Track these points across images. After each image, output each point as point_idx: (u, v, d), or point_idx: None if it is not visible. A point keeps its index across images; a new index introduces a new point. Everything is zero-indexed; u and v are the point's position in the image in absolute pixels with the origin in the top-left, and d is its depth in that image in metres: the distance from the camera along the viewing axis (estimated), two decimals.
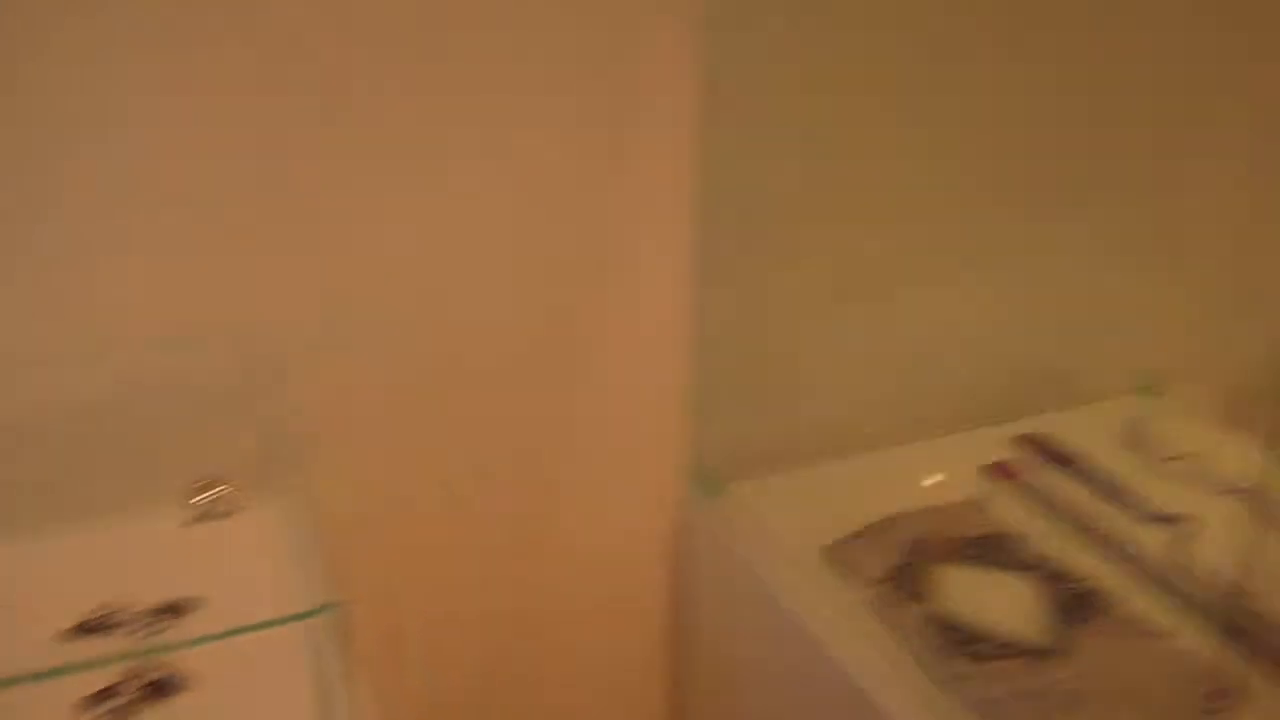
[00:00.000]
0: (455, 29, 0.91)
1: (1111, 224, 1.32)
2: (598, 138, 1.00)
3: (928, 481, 1.19)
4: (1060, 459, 1.21)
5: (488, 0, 0.91)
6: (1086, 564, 1.06)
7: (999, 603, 1.01)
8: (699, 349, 1.14)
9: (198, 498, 0.87)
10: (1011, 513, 1.14)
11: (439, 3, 0.89)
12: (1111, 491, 1.15)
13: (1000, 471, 1.19)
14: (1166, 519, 1.11)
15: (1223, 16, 1.28)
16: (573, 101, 0.98)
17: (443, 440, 1.05)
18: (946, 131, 1.19)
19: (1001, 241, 1.27)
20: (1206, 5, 1.27)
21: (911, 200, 1.19)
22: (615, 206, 1.04)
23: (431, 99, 0.92)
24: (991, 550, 1.08)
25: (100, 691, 0.72)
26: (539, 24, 0.94)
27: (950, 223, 1.23)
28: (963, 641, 0.96)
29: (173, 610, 0.80)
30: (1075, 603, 1.01)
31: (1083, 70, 1.22)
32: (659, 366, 1.13)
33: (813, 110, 1.10)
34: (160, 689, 0.73)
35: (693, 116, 1.03)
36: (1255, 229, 1.41)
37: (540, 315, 1.04)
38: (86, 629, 0.77)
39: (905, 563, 1.06)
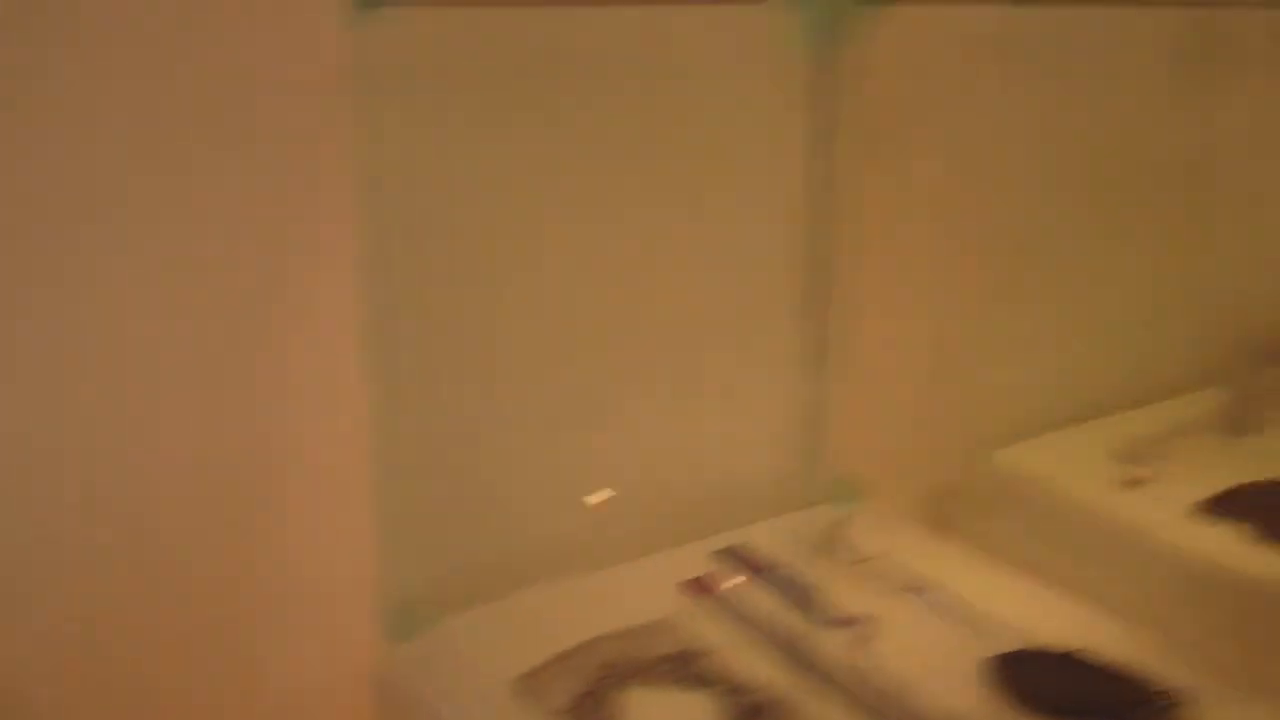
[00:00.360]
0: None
1: (808, 336, 1.39)
2: (249, 265, 1.00)
3: (627, 602, 1.19)
4: (756, 569, 1.24)
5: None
6: (768, 673, 1.08)
7: None
8: (387, 480, 1.13)
9: None
10: (702, 628, 1.15)
11: None
12: (800, 598, 1.19)
13: (697, 587, 1.21)
14: (847, 622, 1.14)
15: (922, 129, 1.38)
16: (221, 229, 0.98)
17: (96, 596, 1.00)
18: (631, 256, 1.24)
19: (701, 356, 1.32)
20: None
21: (603, 321, 1.23)
22: (279, 328, 1.03)
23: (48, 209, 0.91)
24: (677, 669, 1.09)
25: None
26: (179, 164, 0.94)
27: (649, 339, 1.27)
28: None
29: None
30: (753, 713, 1.02)
31: (751, 196, 1.30)
32: (343, 502, 1.11)
33: (491, 228, 1.13)
34: None
35: (360, 244, 1.04)
36: (949, 332, 1.51)
37: (199, 450, 1.02)
38: None
39: (591, 689, 1.06)
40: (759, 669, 1.09)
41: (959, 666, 1.09)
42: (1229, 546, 1.30)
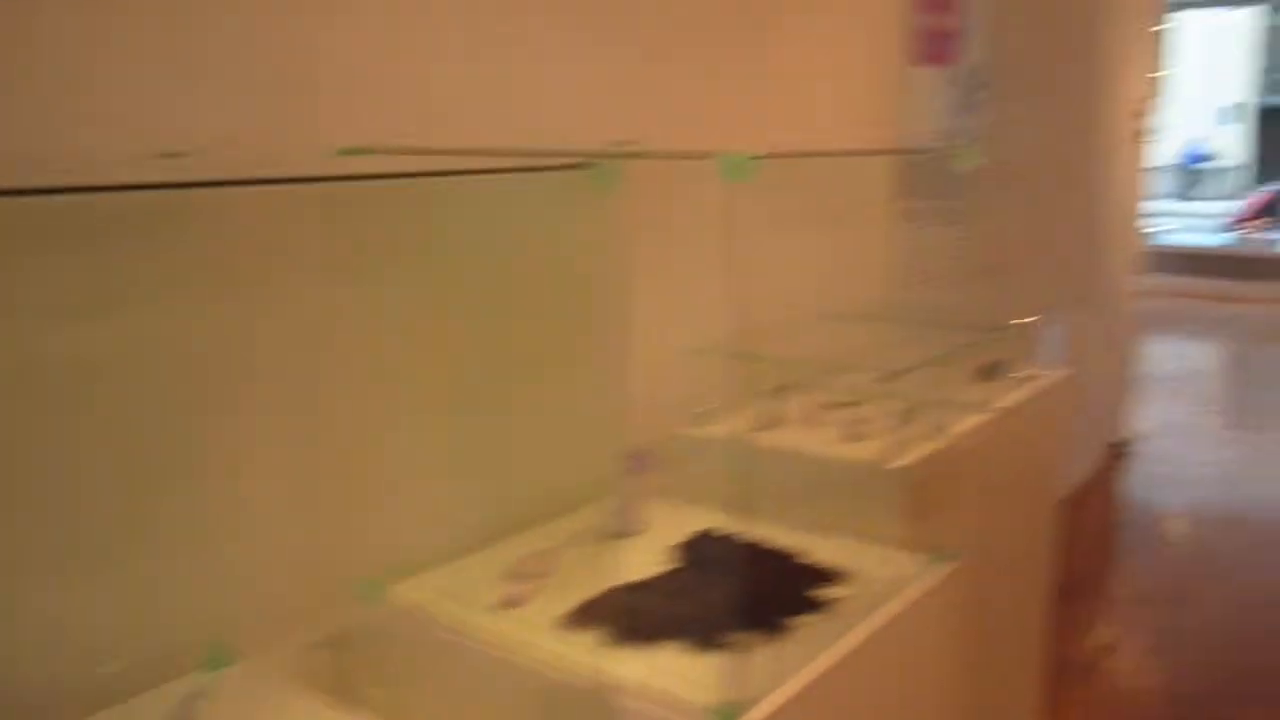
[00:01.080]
0: None
1: (174, 499, 1.33)
2: None
3: None
4: None
5: None
6: None
7: None
8: None
9: None
10: None
11: None
12: None
13: None
14: None
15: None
16: None
17: None
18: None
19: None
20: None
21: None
22: None
23: None
24: None
25: None
26: None
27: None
28: None
29: None
30: None
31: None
32: None
33: None
34: None
35: None
36: (323, 471, 1.51)
37: None
38: None
39: None
40: None
41: None
42: (584, 656, 1.38)
